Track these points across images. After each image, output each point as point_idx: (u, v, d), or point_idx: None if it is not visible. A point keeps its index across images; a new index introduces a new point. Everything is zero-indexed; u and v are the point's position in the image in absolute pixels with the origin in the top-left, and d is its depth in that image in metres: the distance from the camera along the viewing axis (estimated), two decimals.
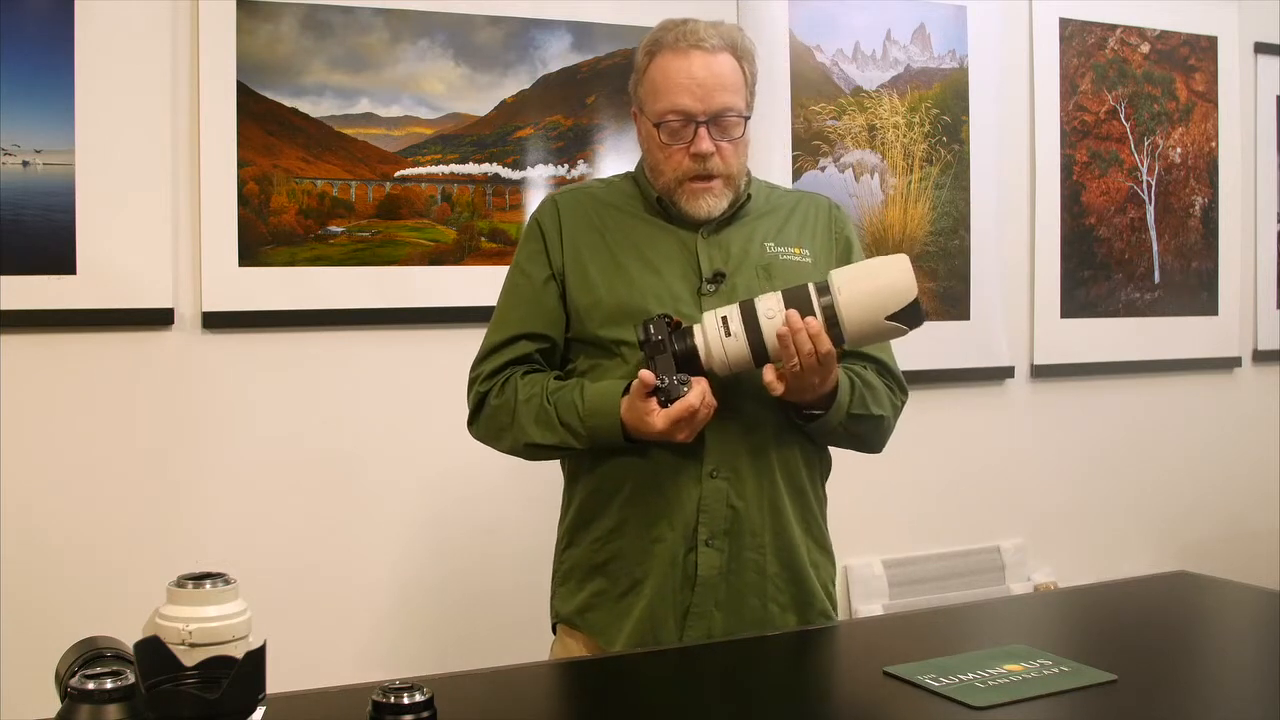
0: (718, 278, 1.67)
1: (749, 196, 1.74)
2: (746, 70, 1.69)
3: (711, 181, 1.66)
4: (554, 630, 1.78)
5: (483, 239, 2.54)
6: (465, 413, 1.73)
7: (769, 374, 1.55)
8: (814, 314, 1.52)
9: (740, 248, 1.71)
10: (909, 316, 1.54)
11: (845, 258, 1.77)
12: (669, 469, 1.62)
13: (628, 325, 1.62)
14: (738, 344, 1.54)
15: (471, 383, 1.75)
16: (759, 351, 1.54)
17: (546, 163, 2.60)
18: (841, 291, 1.53)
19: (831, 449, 1.76)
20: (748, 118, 1.68)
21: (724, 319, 1.55)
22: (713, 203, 1.67)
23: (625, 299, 1.66)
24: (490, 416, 1.71)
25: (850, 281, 1.54)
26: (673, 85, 1.64)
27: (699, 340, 1.55)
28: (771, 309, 1.54)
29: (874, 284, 1.54)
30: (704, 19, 1.68)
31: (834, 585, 1.78)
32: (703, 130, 1.63)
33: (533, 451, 1.68)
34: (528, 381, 1.68)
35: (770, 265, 1.70)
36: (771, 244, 1.72)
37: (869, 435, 1.71)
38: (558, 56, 2.61)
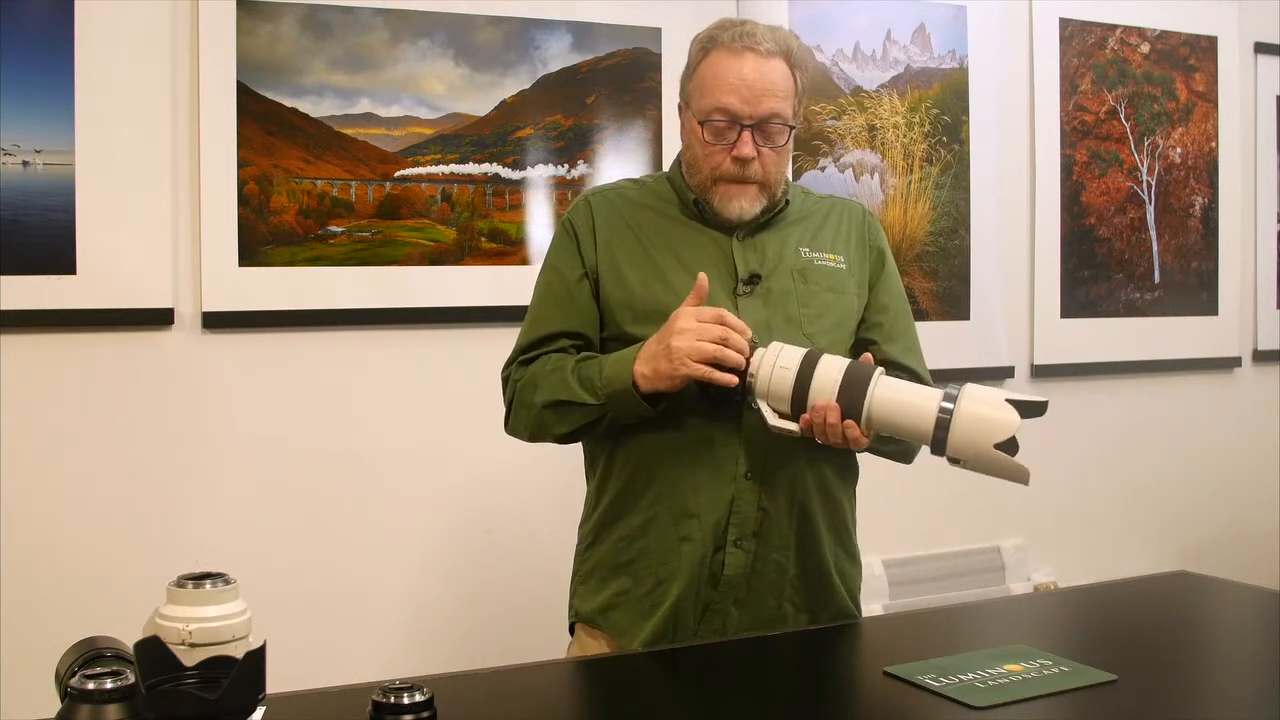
0: (754, 280, 1.67)
1: (786, 203, 1.73)
2: (799, 79, 1.67)
3: (748, 185, 1.65)
4: (571, 631, 1.77)
5: (483, 239, 2.54)
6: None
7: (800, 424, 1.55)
8: (865, 397, 1.49)
9: (775, 251, 1.70)
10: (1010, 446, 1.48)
11: (879, 267, 1.77)
12: (702, 468, 1.61)
13: (660, 323, 1.60)
14: (784, 383, 1.52)
15: (505, 381, 1.72)
16: (800, 399, 1.51)
17: (546, 163, 2.60)
18: (961, 409, 1.46)
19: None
20: (793, 127, 1.66)
21: (782, 354, 1.53)
22: (746, 205, 1.66)
23: (660, 297, 1.65)
24: (518, 397, 1.68)
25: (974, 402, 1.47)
26: (722, 84, 1.62)
27: (756, 355, 1.54)
28: (826, 384, 1.50)
29: (989, 412, 1.46)
30: (761, 21, 1.66)
31: (859, 592, 1.77)
32: (746, 134, 1.62)
33: (551, 415, 1.63)
34: (557, 356, 1.67)
35: (805, 270, 1.70)
36: (806, 249, 1.72)
37: (900, 453, 1.72)
38: (558, 56, 2.61)
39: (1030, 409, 1.46)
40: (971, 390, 1.48)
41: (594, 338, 1.70)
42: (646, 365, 1.55)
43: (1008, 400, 1.46)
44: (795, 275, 1.69)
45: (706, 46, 1.66)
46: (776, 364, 1.52)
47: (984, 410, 1.46)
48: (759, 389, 1.53)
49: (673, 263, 1.68)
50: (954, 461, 1.49)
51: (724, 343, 1.51)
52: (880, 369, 1.54)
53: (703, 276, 1.55)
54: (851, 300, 1.73)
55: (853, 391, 1.49)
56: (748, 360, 1.53)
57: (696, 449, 1.61)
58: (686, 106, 1.70)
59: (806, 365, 1.51)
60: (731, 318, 1.53)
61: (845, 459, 1.71)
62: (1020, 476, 1.46)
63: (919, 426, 1.48)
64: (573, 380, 1.61)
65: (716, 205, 1.67)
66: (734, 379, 1.52)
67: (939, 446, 1.48)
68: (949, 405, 1.46)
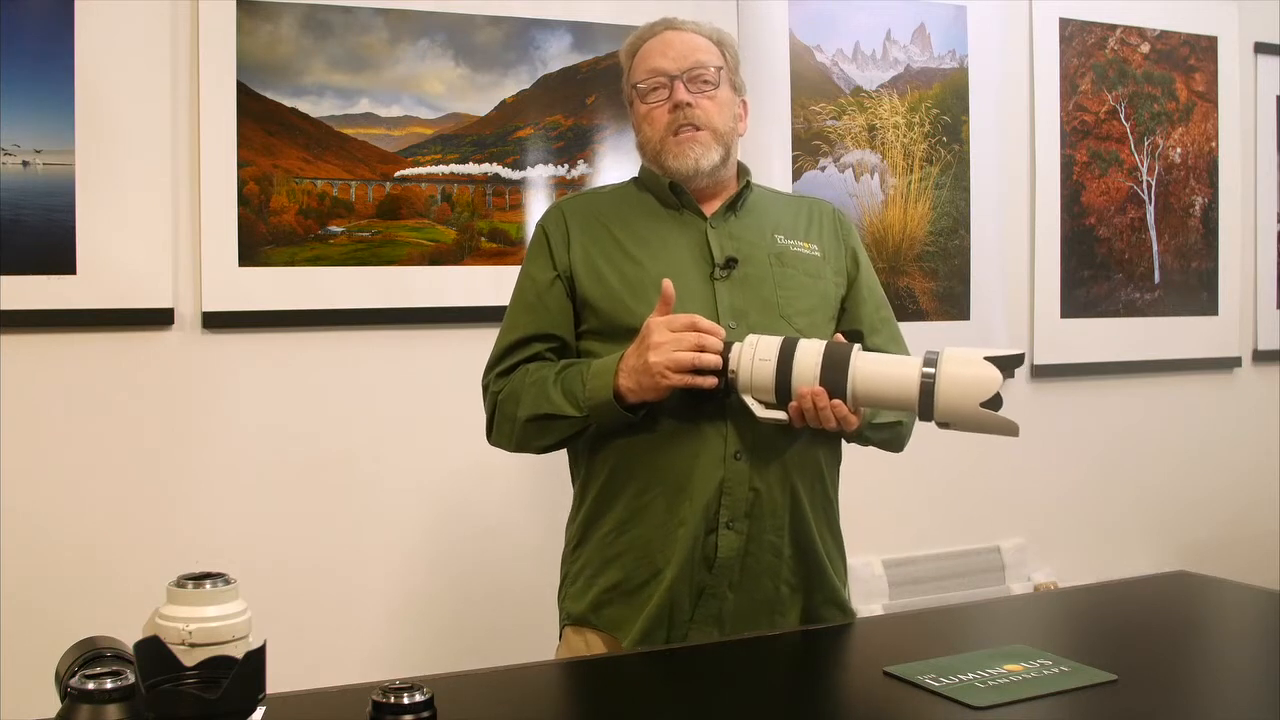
0: (730, 263, 1.68)
1: (748, 184, 1.77)
2: (725, 53, 1.76)
3: (697, 132, 1.70)
4: (560, 634, 1.76)
5: (482, 239, 2.54)
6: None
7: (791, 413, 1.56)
8: (847, 375, 1.50)
9: (751, 237, 1.73)
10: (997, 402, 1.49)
11: (854, 266, 1.80)
12: (689, 451, 1.61)
13: (643, 309, 1.62)
14: (766, 374, 1.52)
15: (484, 390, 1.74)
16: (784, 388, 1.52)
17: (546, 163, 2.60)
18: (944, 371, 1.47)
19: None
20: (721, 68, 1.73)
21: (759, 346, 1.53)
22: (699, 151, 1.70)
23: (637, 283, 1.67)
24: (500, 410, 1.70)
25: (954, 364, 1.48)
26: (650, 56, 1.74)
27: (733, 352, 1.54)
28: (807, 369, 1.50)
29: (972, 371, 1.47)
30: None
31: (846, 578, 1.78)
32: (678, 84, 1.70)
33: (535, 429, 1.66)
34: (536, 366, 1.69)
35: (782, 254, 1.72)
36: (782, 236, 1.75)
37: (889, 441, 1.74)
38: (558, 56, 2.61)
39: (1009, 363, 1.47)
40: (950, 352, 1.49)
41: (568, 338, 1.72)
42: (629, 379, 1.57)
43: (986, 358, 1.47)
44: (772, 259, 1.71)
45: (633, 45, 1.78)
46: (755, 357, 1.53)
47: (966, 370, 1.47)
48: (741, 384, 1.54)
49: (648, 252, 1.70)
50: (942, 425, 1.49)
51: (700, 348, 1.53)
52: (857, 345, 1.55)
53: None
54: (829, 285, 1.75)
55: (834, 371, 1.50)
56: (725, 359, 1.54)
57: (683, 433, 1.62)
58: (630, 104, 1.78)
59: (785, 353, 1.52)
60: (703, 321, 1.55)
61: (832, 443, 1.72)
62: (1009, 430, 1.47)
63: (904, 394, 1.49)
64: (555, 392, 1.63)
65: (672, 162, 1.70)
66: (715, 381, 1.54)
67: (926, 411, 1.48)
68: (930, 370, 1.47)
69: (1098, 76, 3.22)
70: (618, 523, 1.66)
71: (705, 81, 1.71)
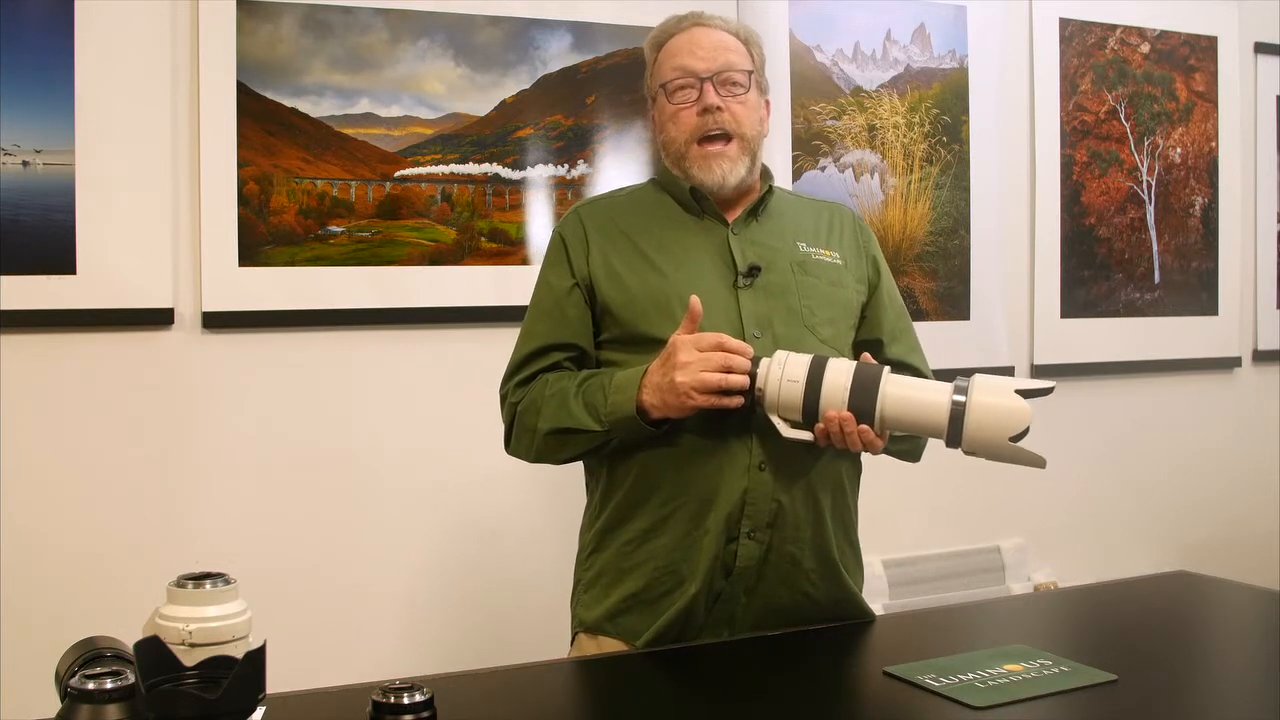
0: (753, 271, 1.66)
1: (770, 189, 1.75)
2: (752, 51, 1.74)
3: (726, 145, 1.67)
4: (573, 641, 1.75)
5: (482, 239, 2.54)
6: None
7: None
8: (876, 399, 1.48)
9: (773, 244, 1.71)
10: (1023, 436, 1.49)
11: (875, 273, 1.79)
12: (714, 461, 1.60)
13: (665, 319, 1.61)
14: (794, 395, 1.51)
15: (503, 400, 1.72)
16: (811, 409, 1.51)
17: (546, 163, 2.60)
18: (973, 399, 1.46)
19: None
20: (751, 72, 1.71)
21: (787, 365, 1.51)
22: (727, 167, 1.67)
23: (659, 292, 1.65)
24: (519, 421, 1.68)
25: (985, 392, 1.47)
26: (678, 53, 1.70)
27: (761, 369, 1.53)
28: (836, 391, 1.49)
29: (1004, 402, 1.46)
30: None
31: (861, 584, 1.77)
32: (708, 85, 1.67)
33: (555, 442, 1.64)
34: (556, 377, 1.66)
35: (804, 263, 1.71)
36: (804, 244, 1.73)
37: (908, 452, 1.73)
38: (558, 56, 2.61)
39: (1038, 395, 1.48)
40: (981, 381, 1.48)
41: (587, 347, 1.70)
42: (653, 396, 1.55)
43: (1016, 390, 1.46)
44: (795, 268, 1.70)
45: (659, 40, 1.75)
46: (784, 378, 1.51)
47: (997, 401, 1.46)
48: (769, 403, 1.53)
49: (668, 259, 1.68)
50: (969, 453, 1.49)
51: (727, 369, 1.51)
52: (886, 368, 1.53)
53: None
54: (851, 294, 1.73)
55: (863, 395, 1.49)
56: (753, 375, 1.52)
57: (707, 446, 1.60)
58: (653, 99, 1.76)
59: (814, 374, 1.50)
60: (731, 341, 1.53)
61: (854, 457, 1.71)
62: (1036, 463, 1.47)
63: (932, 421, 1.48)
64: (576, 406, 1.61)
65: (697, 172, 1.68)
66: (741, 401, 1.52)
67: (954, 439, 1.47)
68: (961, 398, 1.46)
69: (1098, 76, 3.22)
70: (639, 532, 1.64)
71: (735, 84, 1.69)
